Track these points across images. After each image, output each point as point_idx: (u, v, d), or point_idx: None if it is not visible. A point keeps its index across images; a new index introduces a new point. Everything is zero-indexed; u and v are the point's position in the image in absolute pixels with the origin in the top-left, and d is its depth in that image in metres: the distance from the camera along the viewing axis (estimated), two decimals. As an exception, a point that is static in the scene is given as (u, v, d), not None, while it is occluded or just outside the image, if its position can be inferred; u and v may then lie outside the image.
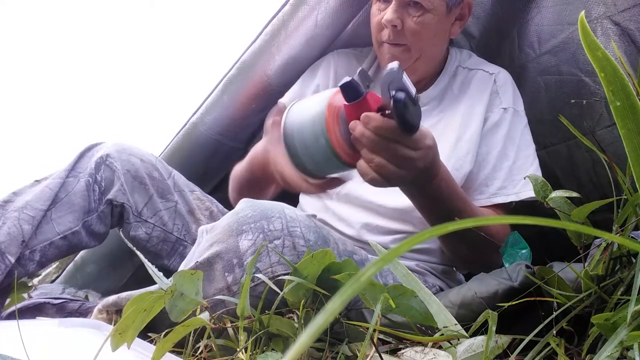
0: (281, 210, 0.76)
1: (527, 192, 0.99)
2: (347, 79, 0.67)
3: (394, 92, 0.66)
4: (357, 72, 0.69)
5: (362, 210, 1.05)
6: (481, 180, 1.03)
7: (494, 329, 0.52)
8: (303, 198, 1.17)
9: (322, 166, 0.74)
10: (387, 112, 0.68)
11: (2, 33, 2.02)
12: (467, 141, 1.03)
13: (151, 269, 0.61)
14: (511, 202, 1.01)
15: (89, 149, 1.07)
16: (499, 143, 1.03)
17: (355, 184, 0.95)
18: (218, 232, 0.75)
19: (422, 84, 1.10)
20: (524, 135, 1.05)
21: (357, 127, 0.68)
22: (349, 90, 0.68)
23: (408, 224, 1.02)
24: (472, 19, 1.23)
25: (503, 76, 1.10)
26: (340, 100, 0.70)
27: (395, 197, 0.90)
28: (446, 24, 1.02)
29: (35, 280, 1.35)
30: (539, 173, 1.01)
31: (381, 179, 0.70)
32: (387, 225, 1.03)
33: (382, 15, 0.99)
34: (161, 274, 0.62)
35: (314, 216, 1.09)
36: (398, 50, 1.01)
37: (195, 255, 0.80)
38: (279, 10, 1.15)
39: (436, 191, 0.81)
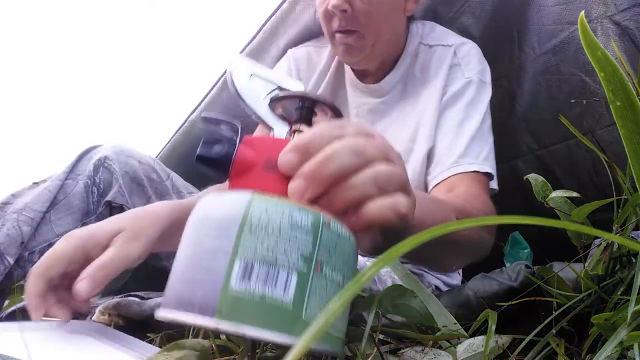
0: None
1: (486, 166, 0.92)
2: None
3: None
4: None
5: None
6: (442, 151, 0.96)
7: (493, 328, 0.52)
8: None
9: None
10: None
11: (2, 33, 2.02)
12: (426, 124, 0.98)
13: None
14: (482, 175, 0.93)
15: (87, 151, 1.07)
16: (460, 112, 0.97)
17: None
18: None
19: (384, 70, 1.06)
20: (489, 109, 1.00)
21: None
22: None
23: None
24: (472, 18, 1.23)
25: (466, 48, 1.05)
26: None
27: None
28: (399, 1, 0.98)
29: (35, 281, 1.35)
30: (493, 152, 0.96)
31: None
32: None
33: (328, 2, 0.95)
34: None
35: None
36: (352, 39, 0.97)
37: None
38: (278, 8, 1.15)
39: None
